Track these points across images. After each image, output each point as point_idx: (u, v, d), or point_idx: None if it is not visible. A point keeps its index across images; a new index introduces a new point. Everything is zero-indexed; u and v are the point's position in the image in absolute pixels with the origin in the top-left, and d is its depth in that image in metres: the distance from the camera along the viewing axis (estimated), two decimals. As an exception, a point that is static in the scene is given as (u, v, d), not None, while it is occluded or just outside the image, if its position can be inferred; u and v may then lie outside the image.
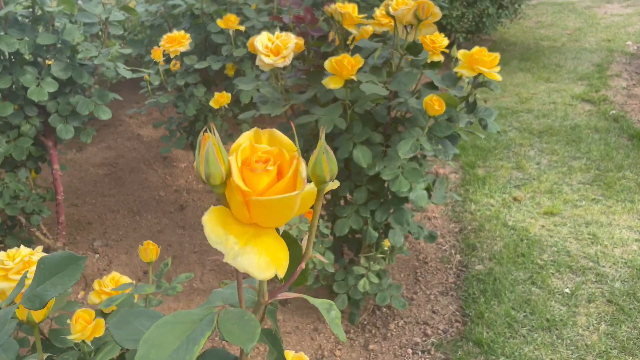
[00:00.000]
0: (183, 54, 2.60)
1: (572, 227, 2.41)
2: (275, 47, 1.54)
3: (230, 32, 2.43)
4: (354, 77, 1.43)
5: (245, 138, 0.40)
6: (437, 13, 1.43)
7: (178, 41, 2.42)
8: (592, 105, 3.67)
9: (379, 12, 1.51)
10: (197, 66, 2.49)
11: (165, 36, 2.42)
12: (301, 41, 1.63)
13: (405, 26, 1.47)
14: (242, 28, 2.43)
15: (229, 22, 2.38)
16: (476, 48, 1.52)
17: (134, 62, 3.66)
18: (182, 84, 2.53)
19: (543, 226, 2.43)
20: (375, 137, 1.61)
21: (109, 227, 2.76)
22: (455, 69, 1.53)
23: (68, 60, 1.92)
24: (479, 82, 1.57)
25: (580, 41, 5.09)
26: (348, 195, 1.82)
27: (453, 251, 2.36)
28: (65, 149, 3.59)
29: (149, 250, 1.19)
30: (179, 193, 3.06)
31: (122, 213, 2.88)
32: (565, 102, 3.72)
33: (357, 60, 1.44)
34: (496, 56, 1.50)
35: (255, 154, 0.39)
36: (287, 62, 1.56)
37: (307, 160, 0.41)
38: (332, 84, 1.45)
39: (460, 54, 1.54)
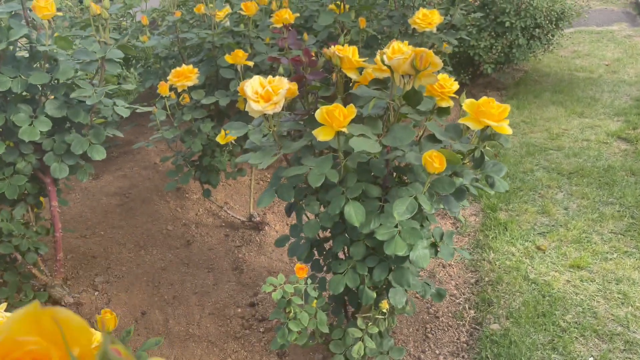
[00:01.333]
0: (191, 88, 2.55)
1: (601, 284, 2.19)
2: (265, 92, 1.44)
3: (239, 68, 2.36)
4: (344, 130, 1.31)
5: (11, 324, 0.28)
6: (437, 63, 1.30)
7: (185, 76, 2.37)
8: (629, 144, 3.42)
9: (379, 56, 1.40)
10: (204, 101, 2.43)
11: (173, 71, 2.37)
12: (294, 86, 1.53)
13: (403, 75, 1.35)
14: (250, 63, 2.36)
15: (237, 57, 2.30)
16: (484, 99, 1.38)
17: (147, 94, 3.66)
18: (188, 119, 2.47)
19: (568, 281, 2.23)
20: (372, 191, 1.48)
21: (113, 262, 2.69)
22: (460, 121, 1.39)
23: (64, 98, 1.87)
24: (487, 134, 1.42)
25: (618, 73, 4.83)
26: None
27: (467, 305, 2.18)
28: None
29: (106, 320, 1.09)
30: (188, 227, 2.98)
31: (129, 247, 2.82)
32: (599, 140, 3.49)
33: (350, 111, 1.32)
34: (505, 108, 1.36)
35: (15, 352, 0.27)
36: (278, 109, 1.45)
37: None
38: (322, 135, 1.33)
39: (466, 104, 1.40)
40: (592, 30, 6.21)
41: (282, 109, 1.53)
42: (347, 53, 1.54)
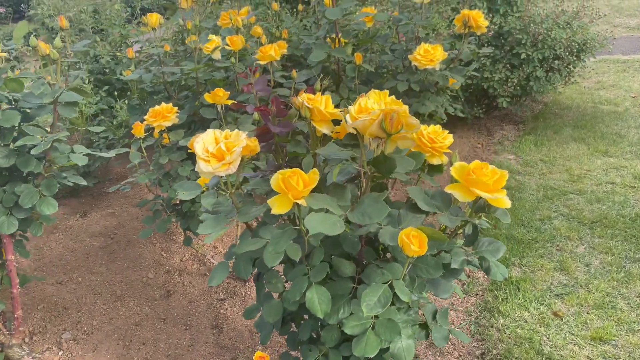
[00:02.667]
0: (172, 128, 2.36)
1: (628, 363, 1.88)
2: (217, 150, 1.22)
3: (219, 108, 2.15)
4: (302, 202, 1.07)
5: None
6: (413, 124, 1.06)
7: (163, 115, 2.17)
8: (659, 189, 3.10)
9: (352, 108, 1.16)
10: (182, 143, 2.22)
11: (150, 110, 2.18)
12: (254, 143, 1.30)
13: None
14: (231, 103, 2.15)
15: (217, 97, 2.10)
16: (476, 163, 1.13)
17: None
18: (165, 162, 2.27)
19: (589, 358, 1.92)
20: (345, 268, 1.23)
21: (85, 315, 2.47)
22: (447, 189, 1.14)
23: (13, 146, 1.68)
24: (481, 205, 1.16)
25: (646, 106, 4.51)
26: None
27: (470, 384, 1.89)
28: (68, 214, 3.41)
29: None
30: (170, 275, 2.75)
31: (104, 297, 2.60)
32: (625, 183, 3.17)
33: (312, 178, 1.08)
34: (502, 175, 1.10)
35: None
36: (232, 169, 1.22)
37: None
38: (277, 206, 1.09)
39: (456, 168, 1.15)
40: (617, 59, 5.89)
41: (241, 169, 1.31)
42: (317, 104, 1.31)
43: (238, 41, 2.33)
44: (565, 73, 4.00)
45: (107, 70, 3.75)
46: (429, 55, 2.22)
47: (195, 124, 2.57)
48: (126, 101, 3.94)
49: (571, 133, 4.00)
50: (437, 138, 1.41)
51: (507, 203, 1.11)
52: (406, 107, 1.06)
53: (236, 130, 1.31)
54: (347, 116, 1.05)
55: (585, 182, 3.23)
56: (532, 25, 3.72)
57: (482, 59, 3.80)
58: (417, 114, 2.57)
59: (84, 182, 1.95)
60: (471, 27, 2.30)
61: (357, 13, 2.70)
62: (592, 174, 3.34)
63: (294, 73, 2.26)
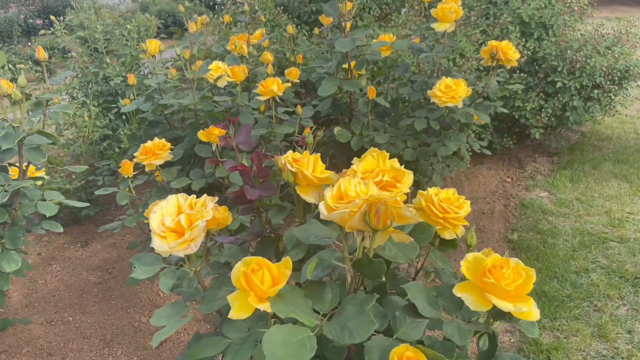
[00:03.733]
0: (166, 164, 2.17)
1: None
2: (176, 224, 1.00)
3: (214, 147, 1.95)
4: (266, 308, 0.83)
5: None
6: (407, 216, 0.81)
7: (153, 153, 1.98)
8: None
9: (328, 194, 0.93)
10: (174, 184, 2.02)
11: (142, 146, 1.99)
12: (223, 213, 1.08)
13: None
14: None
15: (211, 135, 1.90)
16: (494, 259, 0.88)
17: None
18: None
19: None
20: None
21: (69, 363, 2.29)
22: (456, 292, 0.89)
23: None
24: (500, 312, 0.91)
25: (696, 138, 4.12)
26: None
27: None
28: (69, 243, 3.26)
29: None
30: (165, 319, 2.54)
31: (93, 342, 2.41)
32: (674, 231, 2.83)
33: (281, 274, 0.85)
34: (528, 277, 0.85)
35: None
36: (193, 248, 1.00)
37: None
38: (237, 307, 0.86)
39: (468, 263, 0.90)
40: (662, 85, 5.48)
41: (203, 246, 1.09)
42: (303, 166, 1.08)
43: (240, 72, 2.13)
44: (605, 102, 3.67)
45: (118, 92, 3.61)
46: (451, 91, 1.97)
47: (194, 158, 2.38)
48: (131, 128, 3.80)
49: (611, 168, 3.66)
50: (450, 207, 1.16)
51: (534, 315, 0.85)
52: (400, 190, 0.82)
53: (204, 196, 1.09)
54: (322, 205, 0.81)
55: (628, 227, 2.90)
56: (569, 51, 3.42)
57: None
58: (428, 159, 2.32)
59: (59, 230, 1.77)
60: (499, 59, 2.04)
61: (374, 41, 2.47)
62: (636, 217, 3.00)
63: (299, 109, 2.04)
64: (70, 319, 2.59)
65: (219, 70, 2.26)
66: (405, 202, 1.01)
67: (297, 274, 1.06)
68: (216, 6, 5.31)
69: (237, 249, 1.20)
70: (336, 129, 2.23)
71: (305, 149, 1.27)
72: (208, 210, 1.03)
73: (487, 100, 2.23)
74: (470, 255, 0.91)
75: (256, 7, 3.24)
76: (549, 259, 2.63)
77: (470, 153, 2.59)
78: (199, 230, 1.01)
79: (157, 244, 1.00)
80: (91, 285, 2.84)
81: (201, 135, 1.92)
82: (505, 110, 2.26)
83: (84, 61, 3.78)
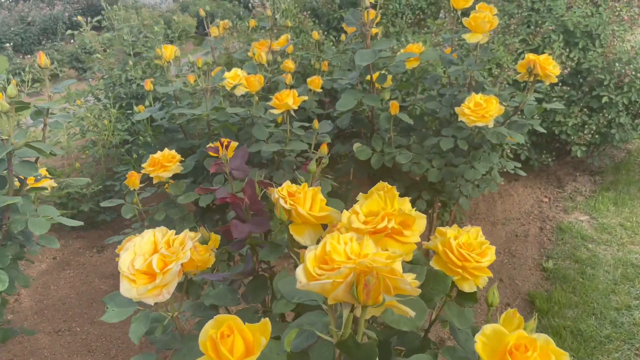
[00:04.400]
0: (175, 177, 2.06)
1: None
2: (147, 267, 0.88)
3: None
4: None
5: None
6: (407, 290, 0.65)
7: (161, 165, 1.88)
8: None
9: (309, 256, 0.77)
10: (181, 200, 1.91)
11: (150, 157, 1.90)
12: (201, 254, 0.95)
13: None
14: (239, 157, 1.82)
15: (219, 150, 1.78)
16: (517, 336, 0.72)
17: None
18: (161, 218, 1.97)
19: None
20: None
21: (71, 378, 2.21)
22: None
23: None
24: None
25: None
26: None
27: None
28: (84, 248, 3.22)
29: None
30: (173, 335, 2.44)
31: (97, 356, 2.33)
32: None
33: (256, 341, 0.71)
34: (560, 366, 0.68)
35: None
36: (165, 295, 0.88)
37: None
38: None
39: (485, 336, 0.74)
40: None
41: (179, 289, 0.97)
42: (299, 202, 0.94)
43: (255, 81, 2.01)
44: (656, 119, 3.39)
45: (141, 95, 3.56)
46: (481, 109, 1.79)
47: (207, 171, 2.26)
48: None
49: (660, 191, 3.37)
50: (471, 254, 1.00)
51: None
52: (399, 254, 0.66)
53: (185, 231, 0.97)
54: (300, 271, 0.66)
55: (677, 259, 2.64)
56: (617, 63, 3.16)
57: (554, 99, 3.27)
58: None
59: (55, 245, 1.68)
60: (537, 75, 1.85)
61: (401, 50, 2.31)
62: (687, 248, 2.73)
63: (316, 123, 1.90)
64: (78, 329, 2.53)
65: (236, 79, 2.14)
66: (427, 233, 0.87)
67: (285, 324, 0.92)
68: (254, 9, 5.23)
69: (225, 290, 1.06)
70: (355, 145, 2.08)
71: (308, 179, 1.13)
72: (185, 251, 0.90)
73: (523, 118, 2.03)
74: (488, 328, 0.74)
75: (277, 13, 3.12)
76: (587, 293, 2.40)
77: (504, 170, 2.39)
78: (172, 275, 0.88)
79: (125, 288, 0.87)
80: (102, 294, 2.77)
81: (209, 150, 1.81)
82: (542, 130, 2.06)
83: (109, 62, 3.74)
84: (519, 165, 2.30)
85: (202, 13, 2.73)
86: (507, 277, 2.62)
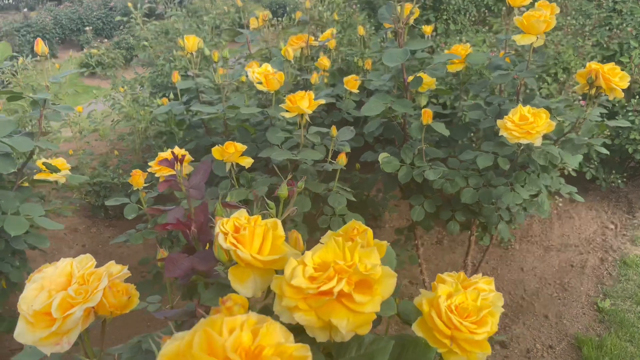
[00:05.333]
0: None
1: None
2: (44, 308, 0.73)
3: (228, 166, 1.67)
4: None
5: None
6: None
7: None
8: None
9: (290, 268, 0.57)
10: (185, 204, 1.77)
11: (159, 154, 1.78)
12: (117, 298, 0.78)
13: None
14: (246, 162, 1.65)
15: (226, 153, 1.62)
16: None
17: (194, 153, 3.18)
18: (164, 221, 1.84)
19: None
20: None
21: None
22: None
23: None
24: None
25: None
26: None
27: None
28: (114, 238, 3.19)
29: None
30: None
31: None
32: None
33: None
34: None
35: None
36: (65, 346, 0.73)
37: None
38: None
39: None
40: None
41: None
42: (244, 241, 0.76)
43: (274, 80, 1.83)
44: None
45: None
46: (526, 124, 1.52)
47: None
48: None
49: None
50: (463, 322, 0.79)
51: None
52: (371, 305, 0.46)
53: (109, 263, 0.81)
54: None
55: None
56: None
57: (629, 113, 2.86)
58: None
59: (45, 245, 1.59)
60: (599, 87, 1.55)
61: (446, 50, 2.05)
62: None
63: (334, 130, 1.70)
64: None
65: (261, 73, 1.98)
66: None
67: None
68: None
69: (169, 330, 0.90)
70: (381, 155, 1.85)
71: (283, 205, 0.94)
72: (95, 292, 0.74)
73: (581, 136, 1.72)
74: None
75: (321, 5, 2.91)
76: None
77: (548, 214, 2.08)
78: (73, 322, 0.72)
79: (20, 331, 0.73)
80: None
81: (215, 152, 1.66)
82: (604, 151, 1.74)
83: (157, 51, 3.71)
84: (575, 189, 1.97)
85: (239, 3, 2.59)
86: (554, 314, 2.30)
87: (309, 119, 1.67)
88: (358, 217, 1.81)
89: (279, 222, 0.83)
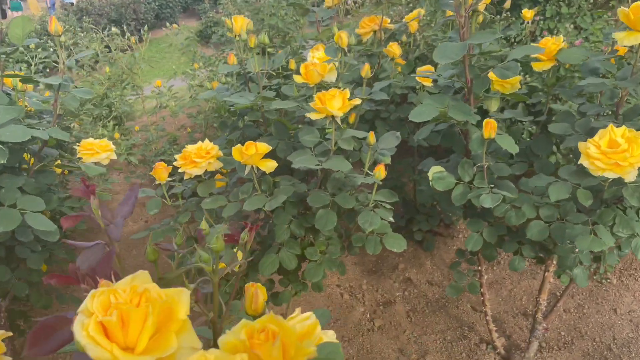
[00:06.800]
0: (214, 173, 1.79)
1: None
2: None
3: (247, 169, 1.48)
4: None
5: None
6: None
7: (191, 160, 1.62)
8: None
9: None
10: (206, 204, 1.63)
11: (183, 150, 1.66)
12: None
13: None
14: (268, 166, 1.45)
15: (244, 154, 1.43)
16: None
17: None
18: (185, 220, 1.72)
19: None
20: None
21: None
22: None
23: None
24: None
25: None
26: None
27: None
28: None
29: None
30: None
31: None
32: None
33: None
34: None
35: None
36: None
37: None
38: None
39: None
40: None
41: None
42: (111, 330, 0.56)
43: (314, 73, 1.59)
44: None
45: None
46: (616, 153, 1.15)
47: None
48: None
49: None
50: None
51: None
52: None
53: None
54: None
55: None
56: None
57: None
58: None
59: (54, 238, 1.51)
60: None
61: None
62: None
63: (372, 137, 1.42)
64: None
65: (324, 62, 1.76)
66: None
67: None
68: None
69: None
70: (433, 170, 1.54)
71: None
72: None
73: None
74: None
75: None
76: None
77: None
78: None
79: None
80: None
81: (235, 152, 1.47)
82: None
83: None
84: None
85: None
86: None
87: (338, 121, 1.41)
88: (399, 239, 1.53)
89: (185, 294, 0.62)
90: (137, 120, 3.47)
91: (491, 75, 1.52)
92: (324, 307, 2.45)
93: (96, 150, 1.92)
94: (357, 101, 1.40)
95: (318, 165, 1.39)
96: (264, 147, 1.45)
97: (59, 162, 1.73)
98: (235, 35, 1.96)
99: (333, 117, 1.39)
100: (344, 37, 1.79)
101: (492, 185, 1.49)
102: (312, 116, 1.39)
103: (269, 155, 1.50)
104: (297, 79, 1.61)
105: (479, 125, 1.51)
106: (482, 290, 2.01)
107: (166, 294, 0.61)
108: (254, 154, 1.43)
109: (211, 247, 0.71)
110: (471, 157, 1.60)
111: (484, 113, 1.65)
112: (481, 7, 1.55)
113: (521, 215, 1.46)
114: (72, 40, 3.49)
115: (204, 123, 3.10)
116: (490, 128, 1.40)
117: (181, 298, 0.61)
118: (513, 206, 1.48)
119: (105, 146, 1.97)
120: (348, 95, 1.38)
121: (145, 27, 3.42)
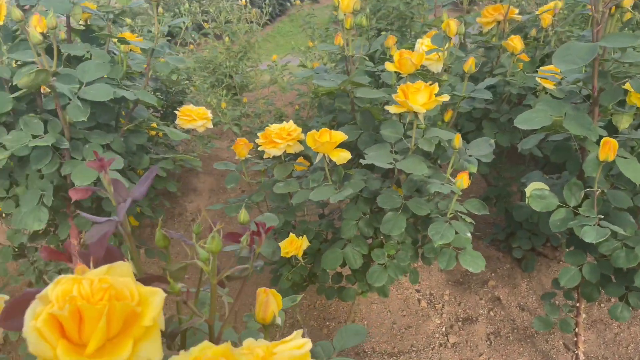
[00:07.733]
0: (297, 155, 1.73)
1: None
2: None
3: (318, 157, 1.39)
4: None
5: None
6: None
7: (270, 140, 1.59)
8: None
9: None
10: (278, 188, 1.57)
11: (266, 129, 1.62)
12: None
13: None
14: (339, 158, 1.35)
15: (317, 142, 1.35)
16: None
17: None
18: (259, 199, 1.68)
19: None
20: None
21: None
22: None
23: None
24: None
25: None
26: None
27: None
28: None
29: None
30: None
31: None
32: None
33: None
34: None
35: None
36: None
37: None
38: None
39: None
40: None
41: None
42: None
43: (408, 62, 1.44)
44: None
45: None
46: None
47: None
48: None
49: None
50: None
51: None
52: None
53: None
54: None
55: None
56: None
57: None
58: None
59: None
60: None
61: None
62: None
63: (457, 140, 1.26)
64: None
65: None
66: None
67: None
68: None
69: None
70: (531, 187, 1.33)
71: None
72: None
73: None
74: None
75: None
76: None
77: None
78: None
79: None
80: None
81: (309, 138, 1.39)
82: None
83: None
84: None
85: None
86: None
87: (420, 119, 1.25)
88: (478, 258, 1.35)
89: (158, 296, 0.55)
90: (250, 93, 3.54)
91: (627, 86, 1.26)
92: (397, 311, 2.31)
93: (193, 117, 1.95)
94: (446, 97, 1.23)
95: (391, 164, 1.26)
96: (338, 135, 1.35)
97: (154, 124, 1.77)
98: (343, 12, 1.86)
99: (415, 113, 1.24)
100: (452, 25, 1.61)
101: (602, 217, 1.24)
102: (392, 109, 1.25)
103: (348, 146, 1.39)
104: (389, 67, 1.47)
105: (599, 143, 1.26)
106: (576, 329, 1.73)
107: (139, 293, 0.55)
108: (327, 142, 1.34)
109: (207, 248, 0.63)
110: (584, 179, 1.35)
111: (614, 130, 1.38)
112: (627, 2, 1.29)
113: (633, 257, 1.20)
114: (201, 7, 3.61)
115: (309, 102, 3.07)
116: (608, 149, 1.15)
117: (153, 300, 0.54)
118: (625, 245, 1.23)
119: (203, 114, 2.00)
120: (436, 90, 1.22)
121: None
